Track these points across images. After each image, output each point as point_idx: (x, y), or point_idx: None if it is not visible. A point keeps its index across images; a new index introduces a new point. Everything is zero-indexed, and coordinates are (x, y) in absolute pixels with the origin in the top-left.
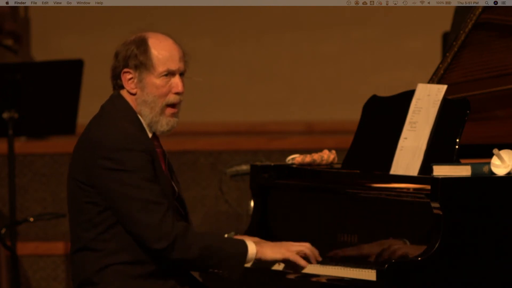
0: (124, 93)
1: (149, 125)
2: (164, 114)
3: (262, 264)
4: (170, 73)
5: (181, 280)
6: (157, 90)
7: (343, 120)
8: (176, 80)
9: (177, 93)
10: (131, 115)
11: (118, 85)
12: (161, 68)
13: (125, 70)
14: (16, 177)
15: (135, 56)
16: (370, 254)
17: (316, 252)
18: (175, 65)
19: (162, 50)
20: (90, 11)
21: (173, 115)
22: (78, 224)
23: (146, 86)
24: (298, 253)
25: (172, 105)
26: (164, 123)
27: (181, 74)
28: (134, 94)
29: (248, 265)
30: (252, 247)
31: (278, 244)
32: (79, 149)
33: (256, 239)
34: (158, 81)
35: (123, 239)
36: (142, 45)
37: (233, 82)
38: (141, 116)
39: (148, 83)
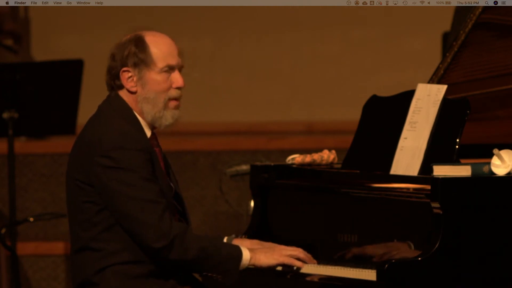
0: (122, 93)
1: (152, 122)
2: (168, 107)
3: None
4: (170, 68)
5: (181, 279)
6: (158, 85)
7: (343, 120)
8: (176, 75)
9: (177, 88)
10: (129, 114)
11: (116, 86)
12: (161, 64)
13: (124, 69)
14: (16, 177)
15: (134, 54)
16: (370, 254)
17: (309, 255)
18: (174, 60)
19: (160, 46)
20: (90, 11)
21: (176, 107)
22: (77, 224)
23: (146, 83)
24: (291, 256)
25: (174, 99)
26: (169, 116)
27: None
28: (134, 93)
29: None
30: (246, 253)
31: (270, 249)
32: (77, 148)
33: (248, 244)
34: (159, 77)
35: (123, 238)
36: (140, 43)
37: (233, 82)
38: (143, 114)
39: (149, 80)
